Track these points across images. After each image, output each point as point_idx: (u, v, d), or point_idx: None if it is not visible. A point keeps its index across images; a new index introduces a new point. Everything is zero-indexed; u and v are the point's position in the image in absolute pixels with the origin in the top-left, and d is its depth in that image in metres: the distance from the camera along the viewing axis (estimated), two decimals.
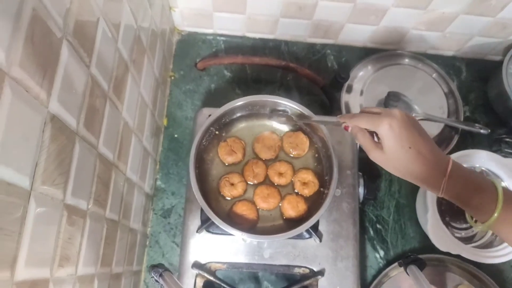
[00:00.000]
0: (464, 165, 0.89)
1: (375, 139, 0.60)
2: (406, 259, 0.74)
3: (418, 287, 0.68)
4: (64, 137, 0.43)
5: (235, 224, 0.73)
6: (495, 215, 0.52)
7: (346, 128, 0.63)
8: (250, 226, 0.74)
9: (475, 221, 0.83)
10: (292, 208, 0.74)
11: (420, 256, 0.87)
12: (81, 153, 0.47)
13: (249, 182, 0.77)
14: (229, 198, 0.76)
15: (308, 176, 0.77)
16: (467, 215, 0.59)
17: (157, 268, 0.63)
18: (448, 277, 0.87)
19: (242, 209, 0.74)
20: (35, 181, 0.37)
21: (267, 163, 0.79)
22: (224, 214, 0.75)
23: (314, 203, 0.76)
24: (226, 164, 0.78)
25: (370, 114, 0.59)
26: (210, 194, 0.76)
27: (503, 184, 0.89)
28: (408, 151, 0.54)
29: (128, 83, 0.64)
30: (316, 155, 0.80)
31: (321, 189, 0.77)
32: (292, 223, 0.75)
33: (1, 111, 0.31)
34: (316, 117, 0.75)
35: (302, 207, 0.75)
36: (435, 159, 0.55)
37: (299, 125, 0.80)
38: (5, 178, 0.33)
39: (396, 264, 0.86)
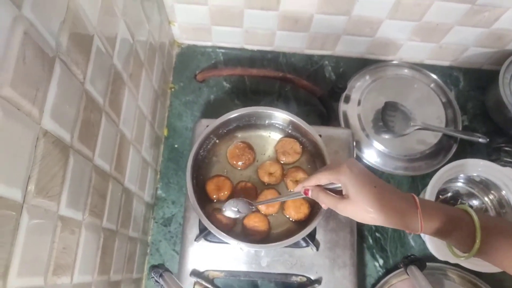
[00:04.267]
0: (462, 175, 0.91)
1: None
2: (406, 259, 0.74)
3: (418, 287, 0.68)
4: (58, 151, 0.45)
5: (248, 237, 0.74)
6: (477, 245, 0.50)
7: (306, 193, 0.63)
8: (263, 237, 0.75)
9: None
10: (294, 208, 0.76)
11: None
12: (75, 165, 0.49)
13: None
14: None
15: (298, 174, 0.78)
16: (447, 247, 0.58)
17: (158, 268, 0.64)
18: (448, 286, 0.86)
19: (255, 221, 0.75)
20: (27, 194, 0.39)
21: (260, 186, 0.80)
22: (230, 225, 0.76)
23: (315, 208, 0.77)
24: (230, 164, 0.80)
25: (325, 169, 0.59)
26: (209, 203, 0.78)
27: (503, 191, 0.89)
28: (374, 190, 0.54)
29: (125, 97, 0.66)
30: (309, 165, 0.81)
31: None
32: (299, 224, 0.76)
33: None
34: (276, 198, 0.76)
35: (304, 210, 0.76)
36: (400, 194, 0.55)
37: (291, 133, 0.82)
38: None
39: (396, 272, 0.86)
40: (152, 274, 0.63)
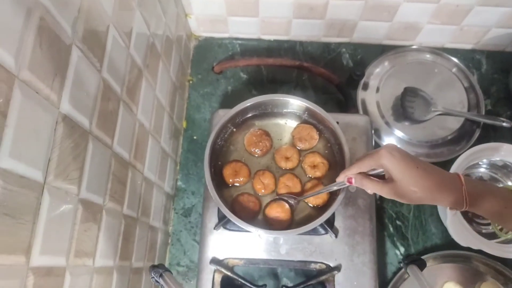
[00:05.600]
0: (484, 160, 0.89)
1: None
2: (407, 258, 0.74)
3: (419, 286, 0.68)
4: (77, 135, 0.46)
5: (269, 227, 0.74)
6: None
7: (350, 181, 0.63)
8: (285, 227, 0.75)
9: (501, 229, 0.81)
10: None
11: (443, 252, 0.86)
12: (95, 151, 0.51)
13: (259, 194, 0.78)
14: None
15: (316, 159, 0.78)
16: (492, 225, 0.58)
17: (158, 268, 0.64)
18: (473, 274, 0.85)
19: (277, 211, 0.75)
20: (48, 175, 0.41)
21: (278, 170, 0.80)
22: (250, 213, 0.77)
23: (333, 194, 0.75)
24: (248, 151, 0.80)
25: (365, 157, 0.60)
26: (228, 191, 0.79)
27: None
28: (417, 170, 0.55)
29: (142, 87, 0.68)
30: (327, 150, 0.81)
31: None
32: (318, 210, 0.76)
33: (12, 110, 0.35)
34: (320, 190, 0.73)
35: (322, 196, 0.76)
36: (444, 172, 0.56)
37: (307, 120, 0.82)
38: (18, 171, 0.36)
39: None
40: (152, 274, 0.64)
